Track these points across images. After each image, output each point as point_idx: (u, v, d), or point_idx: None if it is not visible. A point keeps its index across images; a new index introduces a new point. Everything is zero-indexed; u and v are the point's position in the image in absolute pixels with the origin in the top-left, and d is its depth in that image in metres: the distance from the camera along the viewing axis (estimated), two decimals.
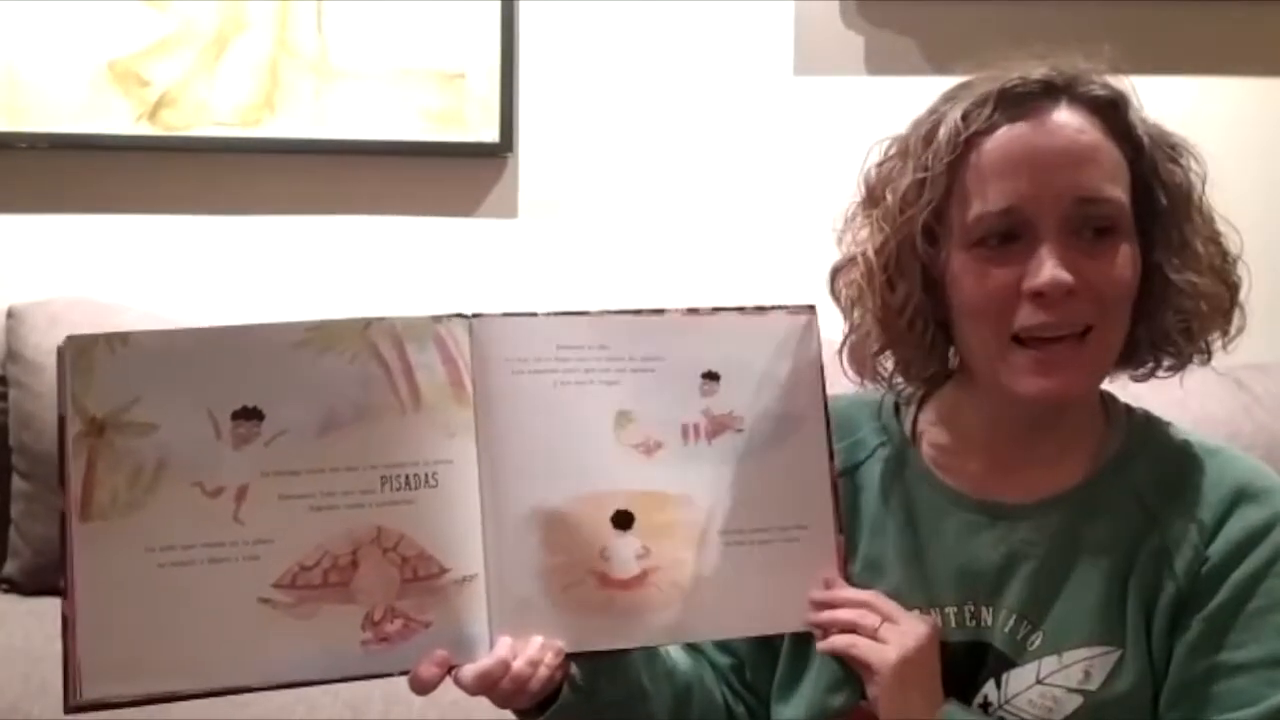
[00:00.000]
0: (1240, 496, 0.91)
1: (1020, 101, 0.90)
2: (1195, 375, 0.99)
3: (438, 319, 0.90)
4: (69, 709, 0.83)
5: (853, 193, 0.99)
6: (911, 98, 0.97)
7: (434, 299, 1.83)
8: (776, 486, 0.94)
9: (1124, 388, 0.99)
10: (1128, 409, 1.00)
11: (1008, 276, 0.89)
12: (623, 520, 0.91)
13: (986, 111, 0.90)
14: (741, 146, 1.91)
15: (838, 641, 0.90)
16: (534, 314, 0.93)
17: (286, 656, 0.85)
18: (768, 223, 1.90)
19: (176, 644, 0.85)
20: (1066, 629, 0.92)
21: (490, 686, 0.87)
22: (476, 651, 0.88)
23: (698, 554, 0.92)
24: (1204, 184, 0.94)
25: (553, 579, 0.90)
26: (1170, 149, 0.93)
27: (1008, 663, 0.93)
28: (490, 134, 1.85)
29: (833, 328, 1.00)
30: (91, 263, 1.85)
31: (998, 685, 0.93)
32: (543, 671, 0.88)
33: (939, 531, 0.97)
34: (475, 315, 0.91)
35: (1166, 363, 0.96)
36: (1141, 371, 0.97)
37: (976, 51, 0.95)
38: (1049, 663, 0.92)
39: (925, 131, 0.92)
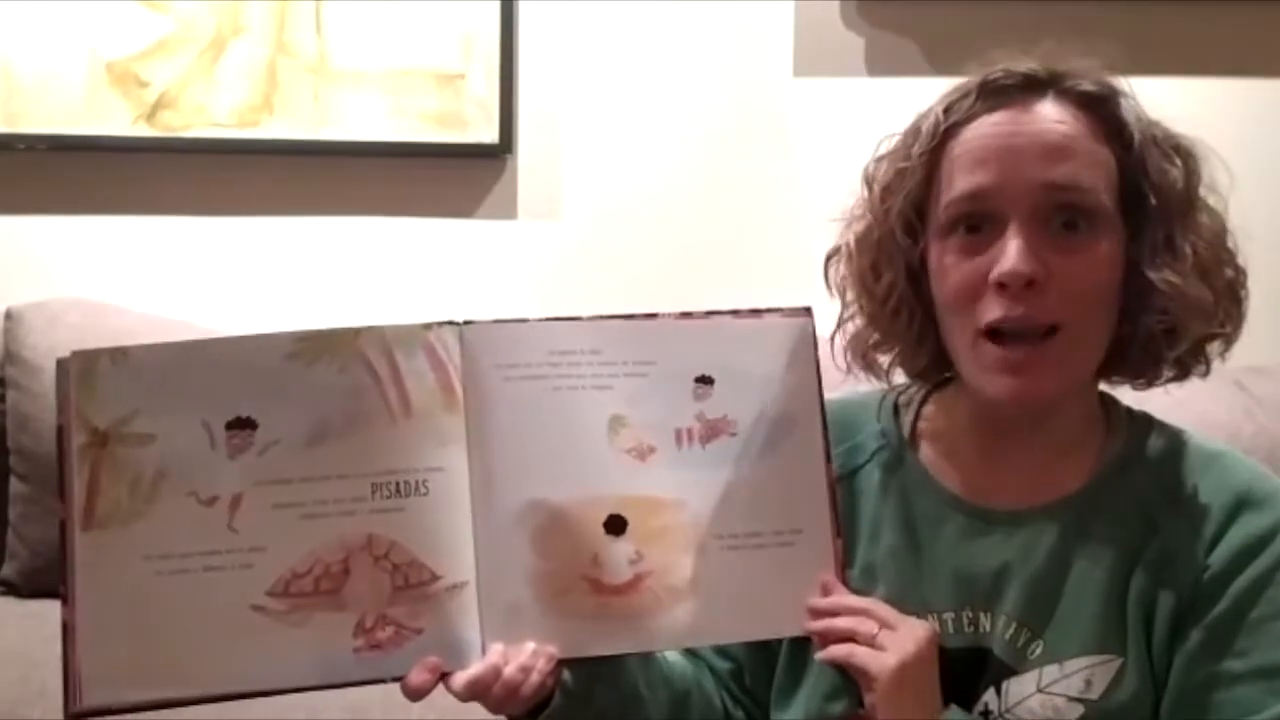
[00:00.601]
0: (1242, 503, 0.90)
1: (1002, 93, 0.90)
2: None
3: (428, 326, 0.90)
4: (69, 715, 0.84)
5: (853, 194, 0.98)
6: (912, 99, 0.97)
7: (433, 300, 1.83)
8: (771, 490, 0.94)
9: (1124, 390, 0.98)
10: (1129, 412, 0.99)
11: (977, 267, 0.88)
12: (616, 525, 0.91)
13: (968, 103, 0.90)
14: (741, 148, 1.90)
15: (836, 651, 0.89)
16: (525, 320, 0.92)
17: (280, 663, 0.86)
18: (768, 224, 1.90)
19: (174, 651, 0.85)
20: (1067, 637, 0.91)
21: (482, 693, 0.87)
22: (468, 658, 0.87)
23: (692, 559, 0.92)
24: (1215, 187, 0.92)
25: (544, 585, 0.89)
26: (1170, 149, 0.91)
27: (1008, 670, 0.93)
28: (489, 135, 1.85)
29: (832, 327, 1.00)
30: (90, 264, 1.85)
31: (998, 693, 0.93)
32: (535, 678, 0.87)
33: (936, 536, 0.96)
34: (466, 322, 0.91)
35: (1166, 373, 0.94)
36: (1140, 381, 0.96)
37: (977, 52, 0.94)
38: (1050, 671, 0.91)
39: (913, 124, 0.93)
